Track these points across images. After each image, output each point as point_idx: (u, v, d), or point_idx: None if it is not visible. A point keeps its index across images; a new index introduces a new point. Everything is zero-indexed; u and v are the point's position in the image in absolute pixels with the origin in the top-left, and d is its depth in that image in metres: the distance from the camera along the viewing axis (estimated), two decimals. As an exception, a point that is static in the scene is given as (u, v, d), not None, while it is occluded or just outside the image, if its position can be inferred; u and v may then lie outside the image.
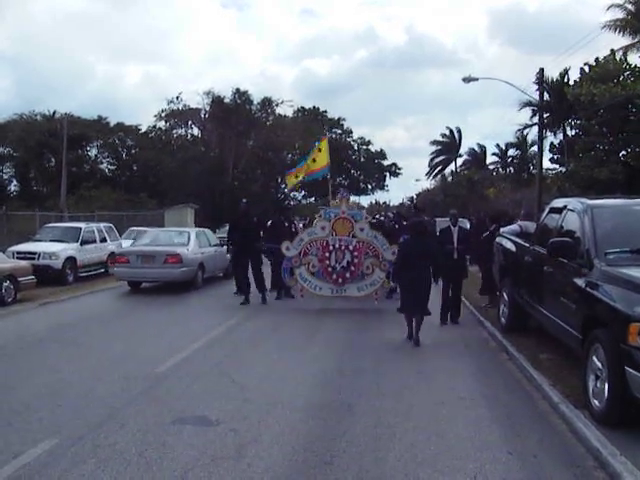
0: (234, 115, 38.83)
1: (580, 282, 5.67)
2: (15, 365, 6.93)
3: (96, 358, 7.22)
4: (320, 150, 13.50)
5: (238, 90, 40.26)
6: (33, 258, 13.93)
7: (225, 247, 13.66)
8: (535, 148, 32.28)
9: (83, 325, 9.60)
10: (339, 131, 52.75)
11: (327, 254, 11.10)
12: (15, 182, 41.34)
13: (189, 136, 44.30)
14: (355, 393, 5.86)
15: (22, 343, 8.05)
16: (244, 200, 12.98)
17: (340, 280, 11.06)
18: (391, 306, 10.73)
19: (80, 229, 16.29)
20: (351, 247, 11.07)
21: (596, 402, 5.01)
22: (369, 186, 55.15)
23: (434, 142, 57.02)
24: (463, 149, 55.25)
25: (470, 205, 36.01)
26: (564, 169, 26.59)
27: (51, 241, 15.36)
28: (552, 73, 28.85)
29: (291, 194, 49.62)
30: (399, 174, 55.69)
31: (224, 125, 39.10)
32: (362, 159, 53.83)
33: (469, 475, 4.05)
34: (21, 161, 38.77)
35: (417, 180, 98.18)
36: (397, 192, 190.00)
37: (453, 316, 9.83)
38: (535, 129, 28.59)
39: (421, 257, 8.29)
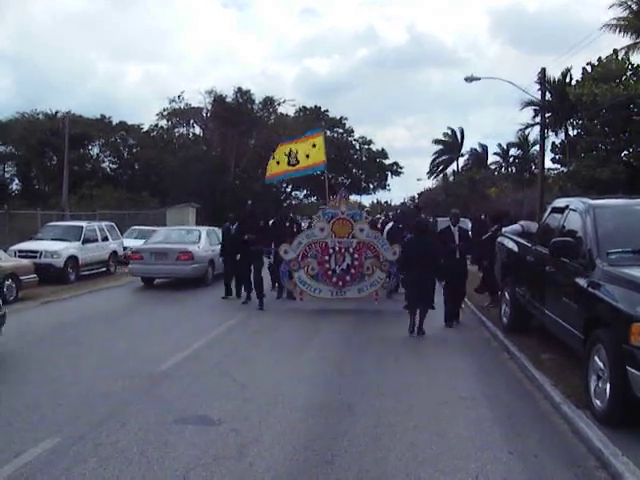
0: (236, 114, 38.84)
1: (582, 282, 5.66)
2: (16, 364, 6.93)
3: (97, 357, 7.23)
4: (314, 146, 12.85)
5: (240, 89, 40.37)
6: (35, 257, 13.91)
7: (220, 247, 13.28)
8: (537, 148, 32.16)
9: (84, 324, 9.60)
10: (341, 130, 52.68)
11: (327, 257, 10.95)
12: (17, 181, 41.52)
13: (191, 135, 44.41)
14: (355, 393, 5.85)
15: (23, 342, 8.04)
16: (249, 202, 12.94)
17: (340, 283, 10.94)
18: (391, 306, 10.79)
19: (82, 228, 16.29)
20: (351, 249, 10.93)
21: (598, 402, 5.00)
22: (371, 185, 55.07)
23: (437, 141, 57.01)
24: (465, 149, 55.33)
25: (472, 205, 35.95)
26: (566, 169, 26.53)
27: (53, 240, 15.35)
28: (554, 73, 28.94)
29: (292, 194, 49.70)
30: (401, 173, 55.63)
31: (226, 124, 39.11)
32: (364, 158, 53.69)
33: (470, 475, 4.05)
34: (23, 160, 38.75)
35: (419, 179, 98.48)
36: (399, 191, 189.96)
37: (455, 315, 9.80)
38: (537, 129, 28.55)
39: (423, 256, 8.36)
